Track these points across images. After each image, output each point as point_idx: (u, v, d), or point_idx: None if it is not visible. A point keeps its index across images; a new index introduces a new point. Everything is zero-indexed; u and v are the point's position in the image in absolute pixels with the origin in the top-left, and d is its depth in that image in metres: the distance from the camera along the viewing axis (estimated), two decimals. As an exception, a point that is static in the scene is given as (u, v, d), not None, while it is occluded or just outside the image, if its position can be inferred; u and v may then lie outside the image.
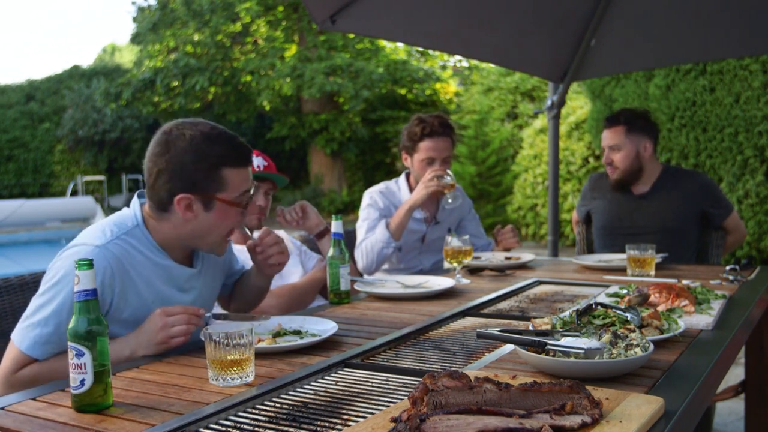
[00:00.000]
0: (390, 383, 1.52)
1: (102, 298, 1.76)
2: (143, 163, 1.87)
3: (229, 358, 1.51)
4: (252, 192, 1.92)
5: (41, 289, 1.77)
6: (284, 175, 2.81)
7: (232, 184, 1.83)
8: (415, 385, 1.41)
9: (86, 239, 1.82)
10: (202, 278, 2.02)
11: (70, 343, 1.38)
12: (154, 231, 1.88)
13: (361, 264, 3.22)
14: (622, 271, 2.93)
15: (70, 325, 1.38)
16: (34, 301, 1.76)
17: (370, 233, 3.25)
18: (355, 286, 2.61)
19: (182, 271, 1.94)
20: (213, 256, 2.06)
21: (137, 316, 1.83)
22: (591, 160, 9.75)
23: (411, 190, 3.43)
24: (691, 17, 3.82)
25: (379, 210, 3.31)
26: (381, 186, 3.47)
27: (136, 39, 19.56)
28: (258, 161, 2.74)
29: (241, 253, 2.68)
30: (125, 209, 1.94)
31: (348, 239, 3.47)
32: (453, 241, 2.78)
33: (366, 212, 3.33)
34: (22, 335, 1.73)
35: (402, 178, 3.50)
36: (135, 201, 1.93)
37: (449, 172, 3.21)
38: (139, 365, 1.70)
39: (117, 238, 1.82)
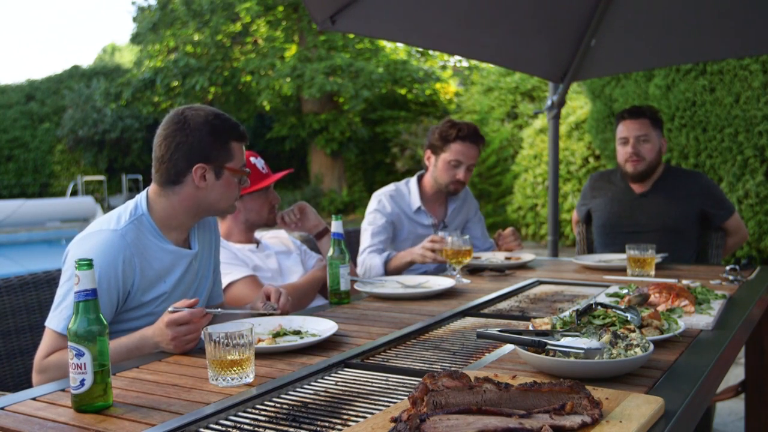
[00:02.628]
0: (390, 383, 1.52)
1: (124, 278, 1.91)
2: (154, 142, 2.04)
3: (229, 358, 1.51)
4: (237, 182, 2.10)
5: (64, 276, 1.91)
6: (289, 170, 2.90)
7: (236, 155, 2.08)
8: (415, 385, 1.41)
9: (101, 225, 1.97)
10: (198, 261, 2.16)
11: (70, 343, 1.38)
12: (158, 212, 2.04)
13: (359, 271, 3.22)
14: (622, 271, 2.93)
15: (70, 325, 1.38)
16: (62, 288, 1.90)
17: (376, 239, 3.23)
18: (355, 286, 2.61)
19: (183, 253, 2.08)
20: (206, 245, 2.21)
21: (156, 297, 2.00)
22: (591, 160, 9.75)
23: (422, 192, 3.42)
24: (691, 17, 3.82)
25: (386, 215, 3.29)
26: (391, 188, 3.43)
27: (136, 39, 19.56)
28: (261, 163, 2.76)
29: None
30: (130, 201, 2.08)
31: (348, 239, 3.47)
32: (453, 242, 2.78)
33: (372, 216, 3.31)
34: (57, 319, 1.85)
35: (413, 180, 3.46)
36: (143, 194, 2.08)
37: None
38: (139, 365, 1.70)
39: (129, 223, 1.97)
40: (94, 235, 1.93)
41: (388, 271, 3.18)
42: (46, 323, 1.87)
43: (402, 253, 3.17)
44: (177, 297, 2.05)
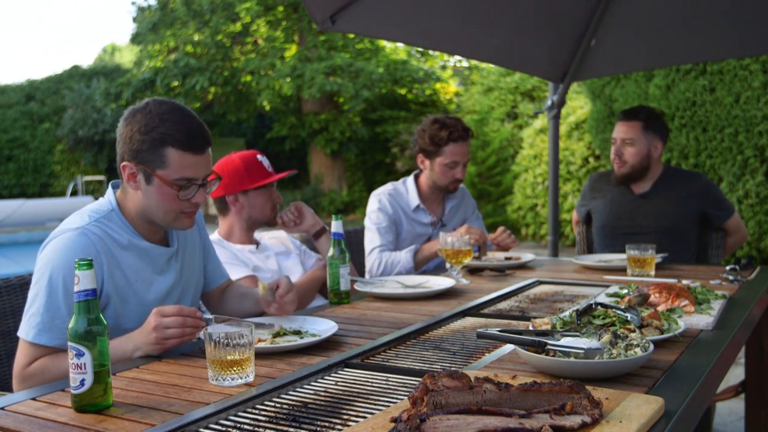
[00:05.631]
0: (390, 383, 1.52)
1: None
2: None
3: (229, 358, 1.51)
4: (193, 186, 1.90)
5: (33, 281, 1.84)
6: (293, 170, 2.90)
7: (173, 165, 1.85)
8: (415, 385, 1.41)
9: (65, 226, 1.88)
10: (180, 259, 2.05)
11: (70, 343, 1.38)
12: (125, 211, 1.94)
13: (374, 271, 3.21)
14: (622, 271, 2.92)
15: (70, 325, 1.38)
16: (29, 294, 1.85)
17: (385, 238, 3.24)
18: (355, 286, 2.61)
19: (159, 251, 1.97)
20: (190, 237, 2.11)
21: (124, 297, 1.89)
22: (591, 160, 9.75)
23: (420, 191, 3.42)
24: (691, 17, 3.82)
25: (388, 215, 3.30)
26: (389, 187, 3.43)
27: (136, 39, 19.55)
28: (267, 162, 2.79)
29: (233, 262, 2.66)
30: (101, 198, 1.99)
31: (348, 239, 3.47)
32: (453, 242, 2.77)
33: (376, 215, 3.30)
34: (27, 328, 1.79)
35: (410, 179, 3.46)
36: (109, 189, 1.99)
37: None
38: (139, 365, 1.70)
39: (95, 221, 1.88)
40: (57, 238, 1.84)
41: (417, 261, 3.22)
42: (19, 333, 1.81)
43: (428, 245, 3.23)
44: (156, 296, 1.95)
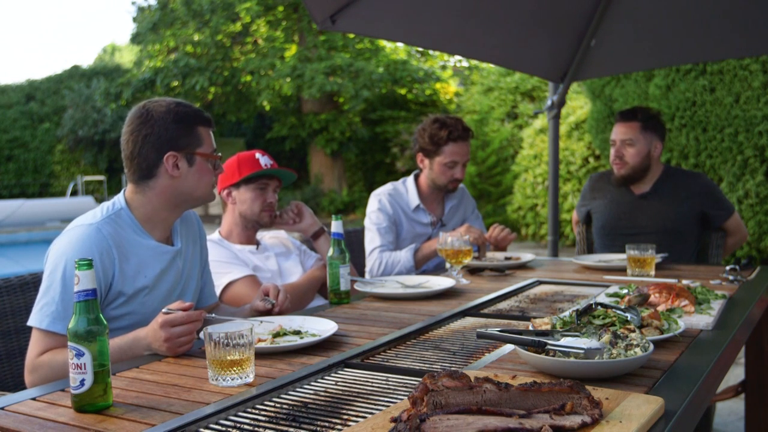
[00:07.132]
0: (390, 383, 1.52)
1: (104, 269, 1.90)
2: (121, 140, 2.04)
3: (229, 358, 1.51)
4: (218, 158, 2.11)
5: (45, 273, 1.91)
6: (292, 170, 2.84)
7: (205, 140, 2.07)
8: (415, 385, 1.41)
9: (78, 222, 1.97)
10: (182, 258, 2.13)
11: (70, 343, 1.38)
12: (138, 209, 2.04)
13: (374, 271, 3.22)
14: (622, 271, 2.92)
15: (70, 325, 1.38)
16: (42, 285, 1.92)
17: (386, 238, 3.24)
18: (355, 286, 2.61)
19: (164, 249, 2.06)
20: (191, 243, 2.19)
21: (133, 292, 1.97)
22: (591, 160, 9.75)
23: (420, 191, 3.42)
24: (691, 17, 3.82)
25: (388, 215, 3.30)
26: (388, 187, 3.43)
27: (136, 39, 19.56)
28: (265, 160, 2.77)
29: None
30: (114, 198, 2.09)
31: (348, 239, 3.47)
32: (453, 242, 2.77)
33: (376, 215, 3.31)
34: (40, 317, 1.85)
35: (410, 179, 3.46)
36: (119, 193, 2.10)
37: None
38: (139, 365, 1.70)
39: (107, 217, 1.97)
40: (71, 232, 1.94)
41: (417, 260, 3.22)
42: (30, 322, 1.87)
43: (428, 243, 3.24)
44: (160, 293, 2.03)
